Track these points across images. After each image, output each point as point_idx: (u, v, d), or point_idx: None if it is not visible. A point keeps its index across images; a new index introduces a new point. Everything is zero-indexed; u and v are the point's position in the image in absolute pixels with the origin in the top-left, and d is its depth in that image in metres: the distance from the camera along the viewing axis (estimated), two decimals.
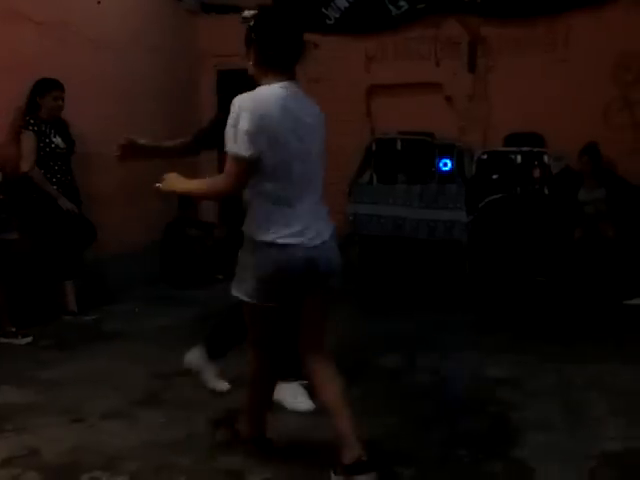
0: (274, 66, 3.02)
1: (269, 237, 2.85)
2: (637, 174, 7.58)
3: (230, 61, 8.71)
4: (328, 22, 8.48)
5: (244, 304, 3.03)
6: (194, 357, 4.05)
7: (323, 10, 8.46)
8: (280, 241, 2.83)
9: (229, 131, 2.84)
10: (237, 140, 2.80)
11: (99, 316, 6.04)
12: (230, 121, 2.86)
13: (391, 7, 8.26)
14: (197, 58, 8.81)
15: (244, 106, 2.87)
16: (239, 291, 3.03)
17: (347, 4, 8.44)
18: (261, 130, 2.79)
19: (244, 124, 2.79)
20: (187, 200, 8.03)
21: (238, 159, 2.80)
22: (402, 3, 8.24)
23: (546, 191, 7.66)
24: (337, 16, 8.46)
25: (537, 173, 7.70)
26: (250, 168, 2.82)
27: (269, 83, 3.00)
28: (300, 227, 2.88)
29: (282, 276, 2.88)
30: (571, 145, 7.60)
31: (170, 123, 8.05)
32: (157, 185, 3.22)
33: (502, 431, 3.58)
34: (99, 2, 6.86)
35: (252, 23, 3.09)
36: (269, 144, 2.80)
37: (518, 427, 3.60)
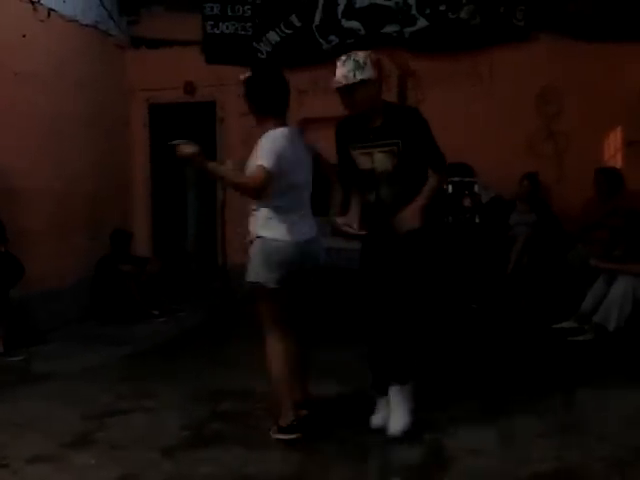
0: (270, 114, 3.92)
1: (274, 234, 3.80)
2: (561, 202, 7.83)
3: (162, 95, 8.74)
4: (260, 56, 8.53)
5: (262, 292, 3.80)
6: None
7: (254, 44, 8.52)
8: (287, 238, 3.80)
9: (262, 150, 3.72)
10: (267, 158, 3.66)
11: (27, 356, 5.89)
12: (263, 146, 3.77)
13: (322, 41, 8.37)
14: (127, 92, 8.76)
15: (268, 141, 3.76)
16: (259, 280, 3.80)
17: (278, 38, 8.52)
18: (280, 159, 3.68)
19: (271, 151, 3.70)
20: (120, 235, 7.95)
21: (265, 170, 3.63)
22: (332, 37, 8.36)
23: (477, 220, 7.83)
24: (269, 50, 8.52)
25: (468, 202, 7.86)
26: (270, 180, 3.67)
27: (271, 127, 3.84)
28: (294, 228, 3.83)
29: (283, 262, 3.77)
30: (499, 174, 7.81)
31: (99, 157, 8.00)
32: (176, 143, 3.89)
33: (436, 457, 3.60)
34: (24, 35, 6.78)
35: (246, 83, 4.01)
36: (280, 170, 3.68)
37: (452, 453, 3.62)
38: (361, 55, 3.82)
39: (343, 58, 3.84)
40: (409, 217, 3.74)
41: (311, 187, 4.00)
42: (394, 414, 3.89)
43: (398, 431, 3.81)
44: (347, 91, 3.80)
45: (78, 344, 6.45)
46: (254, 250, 3.86)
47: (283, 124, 3.91)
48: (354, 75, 3.74)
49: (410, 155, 3.83)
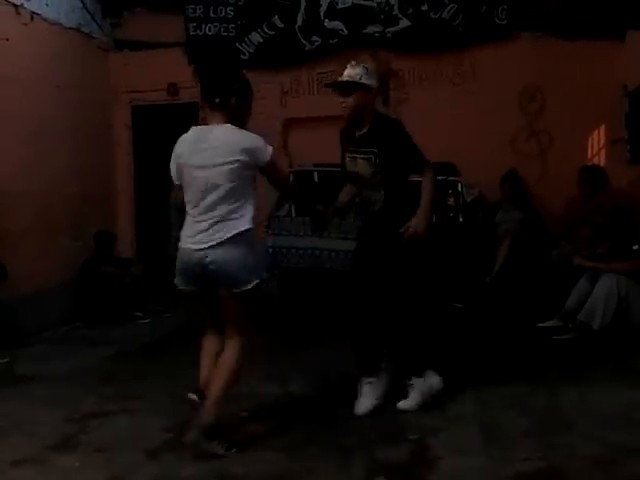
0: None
1: None
2: (544, 200, 7.87)
3: (145, 96, 8.72)
4: (243, 57, 8.53)
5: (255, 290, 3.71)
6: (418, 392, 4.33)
7: (237, 45, 8.51)
8: None
9: None
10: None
11: (10, 359, 5.87)
12: None
13: (304, 42, 8.38)
14: (110, 94, 8.72)
15: None
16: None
17: (261, 39, 8.52)
18: (176, 165, 3.84)
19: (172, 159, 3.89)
20: (104, 237, 7.93)
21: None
22: (315, 38, 8.36)
23: (460, 219, 7.84)
24: (251, 51, 8.52)
25: (451, 201, 7.88)
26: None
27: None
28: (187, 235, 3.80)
29: (179, 268, 3.89)
30: (483, 173, 7.85)
31: (83, 159, 7.97)
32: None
33: (421, 457, 3.60)
34: (7, 39, 6.75)
35: None
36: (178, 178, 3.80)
37: (436, 452, 3.63)
38: (371, 65, 4.38)
39: (354, 62, 4.28)
40: (420, 224, 4.16)
41: (228, 191, 3.66)
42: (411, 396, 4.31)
43: (411, 406, 4.27)
44: (348, 87, 4.17)
45: (62, 346, 6.44)
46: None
47: (220, 119, 3.78)
48: (360, 77, 4.14)
49: (387, 164, 4.18)
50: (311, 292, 7.48)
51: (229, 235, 3.64)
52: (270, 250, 7.54)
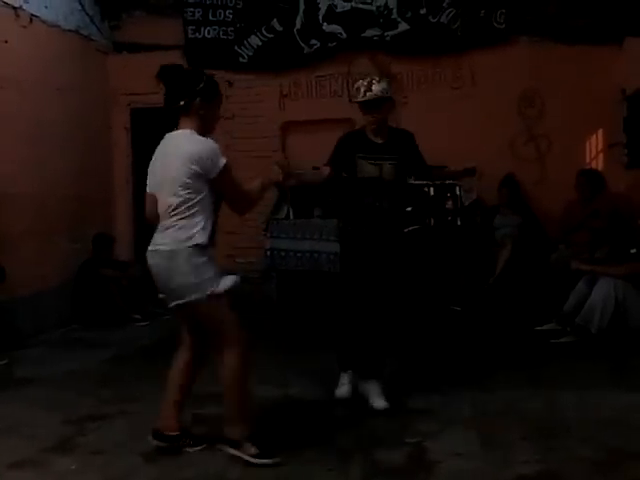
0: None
1: None
2: (543, 204, 7.89)
3: (144, 99, 8.70)
4: (242, 60, 8.54)
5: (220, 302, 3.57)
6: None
7: (236, 48, 8.52)
8: None
9: None
10: None
11: (9, 361, 5.86)
12: None
13: (303, 45, 8.38)
14: (109, 97, 8.72)
15: None
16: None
17: (260, 42, 8.52)
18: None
19: None
20: (102, 239, 7.92)
21: None
22: (314, 41, 8.37)
23: (458, 222, 7.85)
24: (250, 54, 8.53)
25: (450, 205, 7.88)
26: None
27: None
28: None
29: None
30: (482, 177, 7.82)
31: (81, 161, 7.97)
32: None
33: (419, 461, 3.59)
34: (6, 41, 6.74)
35: None
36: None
37: (435, 456, 3.62)
38: (386, 80, 4.65)
39: (377, 78, 4.58)
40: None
41: (180, 202, 3.55)
42: (376, 397, 4.46)
43: (382, 406, 4.39)
44: (380, 102, 4.42)
45: (60, 348, 6.44)
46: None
47: (185, 124, 3.72)
48: (387, 92, 4.44)
49: (403, 170, 4.58)
50: (310, 295, 7.47)
51: (171, 247, 3.55)
52: (268, 253, 7.52)
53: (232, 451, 3.60)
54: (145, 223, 3.99)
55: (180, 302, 3.60)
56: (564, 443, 3.75)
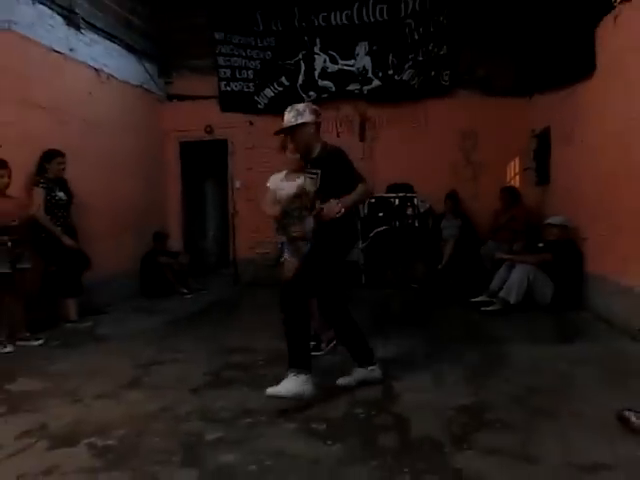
0: None
1: None
2: (477, 212, 7.93)
3: (189, 134, 8.72)
4: (259, 106, 8.54)
5: None
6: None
7: (255, 98, 8.53)
8: None
9: None
10: None
11: (93, 323, 5.86)
12: None
13: (304, 95, 8.36)
14: (164, 133, 8.68)
15: None
16: None
17: (272, 93, 8.52)
18: None
19: None
20: (159, 235, 7.93)
21: None
22: (312, 93, 8.36)
23: (416, 224, 7.90)
24: (266, 102, 8.52)
25: (410, 211, 7.93)
26: None
27: None
28: None
29: None
30: (432, 191, 7.89)
31: (144, 182, 7.98)
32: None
33: (388, 395, 3.59)
34: (90, 93, 6.75)
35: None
36: None
37: (399, 391, 3.63)
38: (301, 105, 3.68)
39: (288, 108, 3.69)
40: (331, 207, 3.44)
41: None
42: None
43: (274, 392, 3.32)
44: (290, 131, 3.67)
45: (129, 314, 6.43)
46: None
47: None
48: (295, 119, 3.62)
49: (327, 182, 3.57)
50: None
51: None
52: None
53: None
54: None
55: None
56: (492, 382, 3.76)
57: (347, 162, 3.64)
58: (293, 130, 3.66)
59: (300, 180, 4.27)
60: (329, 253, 3.58)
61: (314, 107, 3.72)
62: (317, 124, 3.69)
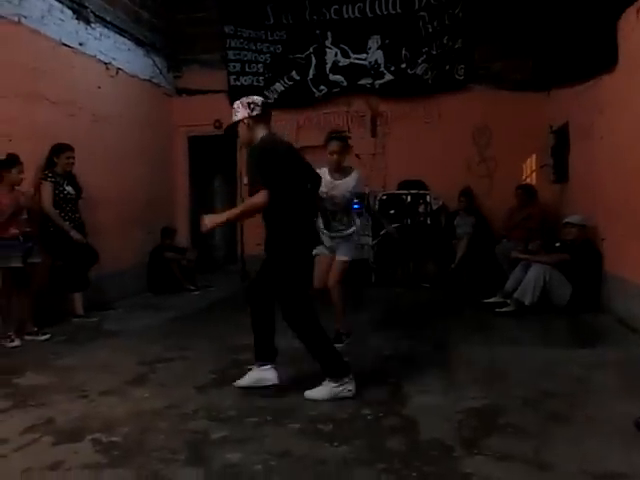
0: None
1: None
2: (491, 210, 7.88)
3: (198, 129, 8.74)
4: (269, 101, 8.52)
5: None
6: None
7: (265, 92, 8.51)
8: None
9: None
10: None
11: (100, 318, 5.90)
12: None
13: (314, 90, 8.39)
14: (172, 128, 8.71)
15: None
16: None
17: (283, 88, 8.53)
18: None
19: None
20: (167, 231, 7.96)
21: None
22: (322, 87, 8.37)
23: (428, 222, 7.88)
24: (275, 97, 8.52)
25: (422, 209, 7.90)
26: None
27: None
28: None
29: None
30: (445, 188, 7.86)
31: (152, 177, 8.02)
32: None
33: (396, 396, 3.57)
34: (99, 87, 6.78)
35: None
36: None
37: (408, 392, 3.61)
38: (236, 102, 3.64)
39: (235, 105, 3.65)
40: (203, 222, 3.47)
41: None
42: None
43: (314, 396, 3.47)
44: (234, 126, 3.65)
45: (136, 310, 6.46)
46: None
47: None
48: (233, 118, 3.64)
49: (251, 181, 3.48)
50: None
51: None
52: None
53: None
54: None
55: None
56: (503, 385, 3.73)
57: (261, 162, 3.42)
58: (235, 127, 3.66)
59: None
60: (279, 267, 3.58)
61: (249, 100, 3.62)
62: (255, 117, 3.58)
